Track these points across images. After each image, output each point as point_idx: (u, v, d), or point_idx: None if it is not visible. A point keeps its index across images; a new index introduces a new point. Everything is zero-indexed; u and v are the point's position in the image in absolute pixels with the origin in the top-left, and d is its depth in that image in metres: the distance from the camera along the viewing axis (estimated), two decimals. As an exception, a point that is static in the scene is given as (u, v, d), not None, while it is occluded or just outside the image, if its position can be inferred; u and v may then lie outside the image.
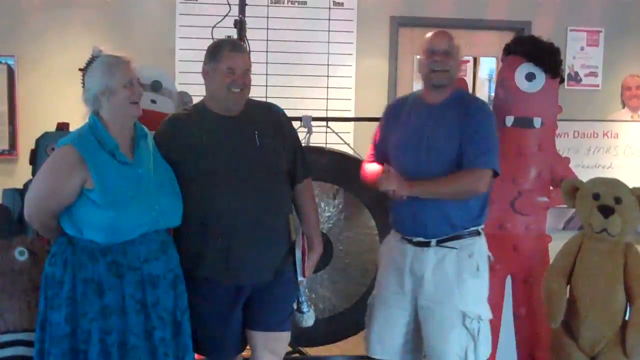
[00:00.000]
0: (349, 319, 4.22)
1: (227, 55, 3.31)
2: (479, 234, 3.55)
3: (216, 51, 3.35)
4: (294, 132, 3.58)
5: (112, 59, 3.15)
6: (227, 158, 3.32)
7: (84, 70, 3.18)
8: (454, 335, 3.43)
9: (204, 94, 3.44)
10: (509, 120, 4.06)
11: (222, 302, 3.39)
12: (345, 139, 4.59)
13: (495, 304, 4.08)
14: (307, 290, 4.16)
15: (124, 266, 3.11)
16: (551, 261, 3.92)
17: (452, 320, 3.43)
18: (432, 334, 3.46)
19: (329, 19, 6.08)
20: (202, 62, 3.37)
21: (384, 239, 3.75)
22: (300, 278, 3.52)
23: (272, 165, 3.39)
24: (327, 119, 4.70)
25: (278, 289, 3.47)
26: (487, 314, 3.54)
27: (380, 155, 3.70)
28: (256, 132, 3.37)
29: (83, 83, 3.19)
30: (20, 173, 5.06)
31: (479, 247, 3.53)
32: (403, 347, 3.59)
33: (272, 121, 3.46)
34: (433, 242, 3.47)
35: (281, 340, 3.57)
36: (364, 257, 4.18)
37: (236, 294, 3.40)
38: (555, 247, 3.89)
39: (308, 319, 3.63)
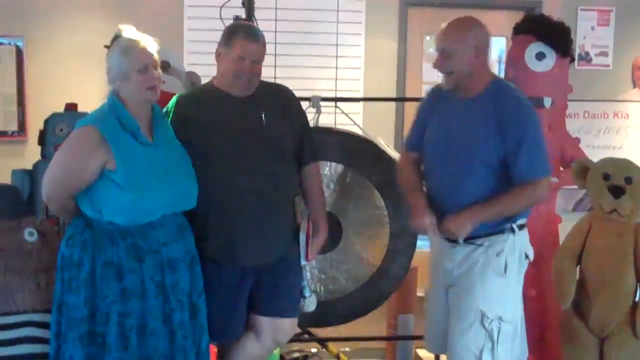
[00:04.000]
0: (358, 301, 4.21)
1: (240, 42, 3.29)
2: (512, 231, 3.35)
3: (231, 35, 3.33)
4: (302, 115, 3.57)
5: (129, 42, 3.13)
6: (232, 137, 3.32)
7: (108, 47, 3.15)
8: (471, 333, 3.34)
9: (213, 74, 3.44)
10: (519, 100, 4.03)
11: (227, 285, 3.40)
12: (355, 120, 4.57)
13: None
14: (313, 273, 4.15)
15: (144, 249, 3.12)
16: (561, 242, 3.91)
17: (470, 318, 3.34)
18: (451, 329, 3.40)
19: (338, -1, 6.05)
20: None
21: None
22: (303, 262, 3.53)
23: (279, 146, 3.38)
24: (336, 99, 4.69)
25: (284, 274, 3.48)
26: (511, 315, 3.39)
27: (415, 145, 3.57)
28: (263, 113, 3.36)
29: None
30: (29, 154, 5.07)
31: (510, 245, 3.35)
32: (445, 343, 3.49)
33: (280, 102, 3.46)
34: (460, 239, 3.33)
35: (288, 329, 3.58)
36: (374, 239, 4.18)
37: (241, 277, 3.40)
38: (565, 228, 3.89)
39: (309, 304, 3.63)
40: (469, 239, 3.31)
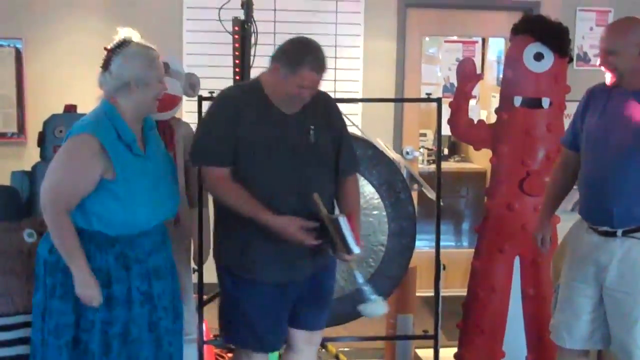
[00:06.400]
0: (357, 301, 4.21)
1: (307, 75, 3.15)
2: None
3: (297, 61, 3.16)
4: (342, 121, 3.48)
5: (153, 52, 3.13)
6: (283, 154, 3.22)
7: (111, 51, 3.10)
8: (638, 328, 3.31)
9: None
10: (517, 100, 4.05)
11: (273, 301, 3.34)
12: (353, 120, 4.57)
13: (504, 285, 4.09)
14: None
15: (131, 258, 3.12)
16: (559, 242, 3.91)
17: (637, 313, 3.30)
18: (616, 324, 3.38)
19: (337, 0, 6.05)
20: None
21: (571, 226, 3.65)
22: (356, 250, 3.20)
23: (325, 161, 3.33)
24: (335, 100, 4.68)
25: (323, 284, 3.48)
26: None
27: (569, 142, 3.62)
28: (312, 127, 3.28)
29: (106, 65, 3.10)
30: (29, 156, 5.08)
31: None
32: (591, 335, 3.48)
33: (325, 112, 3.37)
34: (619, 232, 3.32)
35: (320, 333, 3.59)
36: (372, 239, 4.18)
37: (285, 291, 3.35)
38: (563, 228, 3.88)
39: (377, 307, 3.30)
40: (628, 233, 3.32)
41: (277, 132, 3.23)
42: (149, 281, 3.16)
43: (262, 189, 3.20)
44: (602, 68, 3.39)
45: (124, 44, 3.10)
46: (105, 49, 3.13)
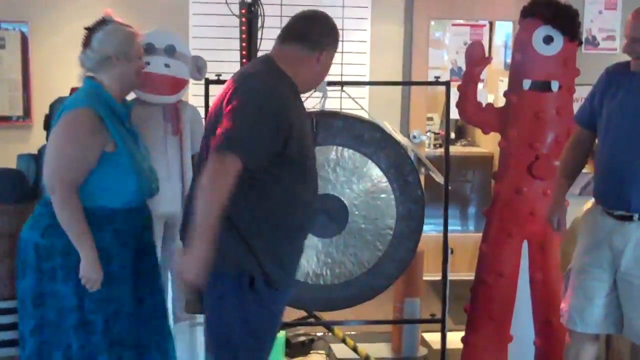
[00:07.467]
0: (365, 285, 4.21)
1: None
2: None
3: (335, 33, 3.11)
4: None
5: (132, 31, 3.20)
6: (313, 152, 3.07)
7: (91, 30, 3.16)
8: None
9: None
10: (526, 83, 4.02)
11: (280, 311, 3.16)
12: (361, 104, 4.55)
13: (512, 269, 4.07)
14: (319, 257, 4.08)
15: (128, 234, 3.15)
16: (568, 226, 3.89)
17: None
18: (629, 309, 3.38)
19: (344, -17, 6.02)
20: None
21: (586, 209, 3.63)
22: None
23: None
24: (342, 84, 4.66)
25: None
26: None
27: (585, 120, 3.61)
28: (314, 118, 3.26)
29: (87, 42, 3.17)
30: (34, 139, 5.07)
31: None
32: (603, 320, 3.48)
33: None
34: (636, 216, 3.33)
35: None
36: (380, 222, 4.17)
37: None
38: (571, 212, 3.87)
39: None
40: None
41: (309, 124, 3.13)
42: (140, 256, 3.21)
43: (305, 186, 2.98)
44: (628, 55, 3.37)
45: (103, 22, 3.19)
46: (86, 28, 3.21)
